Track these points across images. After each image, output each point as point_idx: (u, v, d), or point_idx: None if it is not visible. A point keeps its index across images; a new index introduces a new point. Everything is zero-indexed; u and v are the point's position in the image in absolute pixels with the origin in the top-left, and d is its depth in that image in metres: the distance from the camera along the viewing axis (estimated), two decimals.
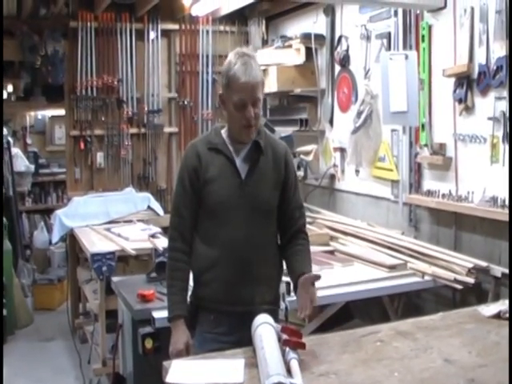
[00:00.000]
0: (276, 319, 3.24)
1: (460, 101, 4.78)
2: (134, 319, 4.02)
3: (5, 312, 6.76)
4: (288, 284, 4.00)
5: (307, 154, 6.48)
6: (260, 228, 3.25)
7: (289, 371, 2.46)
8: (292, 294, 3.99)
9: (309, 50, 6.69)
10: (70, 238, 6.79)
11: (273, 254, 3.35)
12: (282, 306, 3.87)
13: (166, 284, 3.37)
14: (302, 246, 3.39)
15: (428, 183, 5.22)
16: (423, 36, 5.15)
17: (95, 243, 5.72)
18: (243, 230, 3.20)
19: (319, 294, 4.20)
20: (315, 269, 4.65)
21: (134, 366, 4.19)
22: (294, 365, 2.52)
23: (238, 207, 3.20)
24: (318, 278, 3.15)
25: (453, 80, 4.85)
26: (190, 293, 3.36)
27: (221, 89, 3.25)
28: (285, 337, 2.69)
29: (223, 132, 3.31)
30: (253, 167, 3.24)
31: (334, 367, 2.63)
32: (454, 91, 4.84)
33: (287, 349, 2.63)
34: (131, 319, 4.13)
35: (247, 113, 3.11)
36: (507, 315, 3.16)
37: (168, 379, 2.57)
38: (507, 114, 4.30)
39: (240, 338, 3.07)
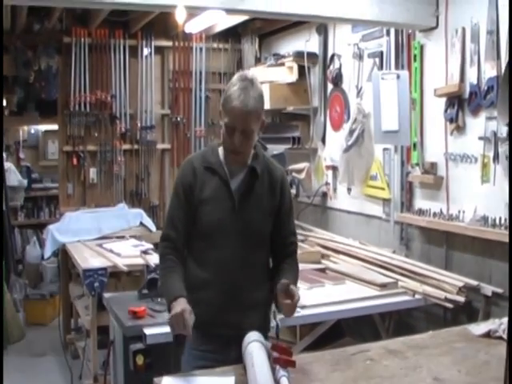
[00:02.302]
0: None
1: (451, 120, 4.81)
2: (126, 336, 4.01)
3: None
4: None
5: (299, 171, 6.50)
6: (252, 253, 3.22)
7: None
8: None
9: (301, 68, 6.72)
10: (62, 254, 6.78)
11: (263, 278, 3.30)
12: (273, 323, 3.87)
13: (160, 282, 3.28)
14: (288, 265, 3.33)
15: (419, 202, 5.25)
16: (415, 55, 5.19)
17: (87, 259, 5.72)
18: (235, 254, 3.17)
19: (310, 311, 4.27)
20: (306, 286, 4.70)
21: (126, 383, 4.18)
22: (284, 383, 2.53)
23: (231, 231, 3.17)
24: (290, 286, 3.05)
25: (444, 100, 4.88)
26: None
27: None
28: (275, 354, 2.70)
29: (220, 150, 3.27)
30: (247, 192, 3.21)
31: None
32: (446, 111, 4.87)
33: (277, 367, 2.64)
34: (122, 335, 4.13)
35: (234, 139, 3.08)
36: (497, 334, 3.18)
37: None
38: (504, 134, 4.32)
39: (227, 356, 3.07)
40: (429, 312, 4.91)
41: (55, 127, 8.23)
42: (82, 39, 7.45)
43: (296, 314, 4.13)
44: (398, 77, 5.11)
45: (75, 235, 6.55)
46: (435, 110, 5.00)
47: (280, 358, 2.67)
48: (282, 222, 3.32)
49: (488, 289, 4.44)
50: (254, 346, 2.81)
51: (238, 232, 3.17)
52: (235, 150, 3.12)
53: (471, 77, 4.62)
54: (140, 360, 3.54)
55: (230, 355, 3.06)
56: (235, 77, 3.16)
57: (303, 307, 4.23)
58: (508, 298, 3.45)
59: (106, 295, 4.74)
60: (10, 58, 7.34)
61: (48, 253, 6.71)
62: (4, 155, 9.07)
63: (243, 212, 3.18)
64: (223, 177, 3.19)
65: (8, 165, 9.38)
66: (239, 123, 3.06)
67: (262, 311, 3.32)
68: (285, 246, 3.36)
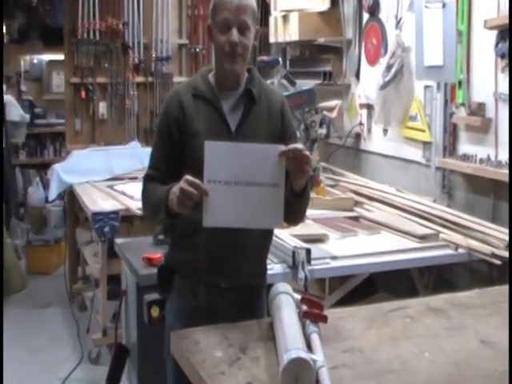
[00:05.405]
0: (261, 295, 3.20)
1: (503, 56, 4.72)
2: (140, 285, 4.02)
3: None
4: (308, 251, 4.02)
5: (330, 110, 6.43)
6: None
7: (309, 346, 2.47)
8: (312, 262, 4.03)
9: None
10: (69, 196, 6.83)
11: None
12: (301, 275, 3.90)
13: (145, 206, 3.28)
14: None
15: (464, 147, 5.18)
16: None
17: (97, 201, 5.74)
18: None
19: (342, 263, 4.25)
20: (337, 235, 4.69)
21: (139, 336, 4.21)
22: (315, 339, 2.52)
23: None
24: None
25: (495, 33, 4.78)
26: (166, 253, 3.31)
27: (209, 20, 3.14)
28: (305, 308, 2.70)
29: (210, 76, 3.16)
30: (244, 119, 3.08)
31: (359, 343, 2.64)
32: (496, 45, 4.77)
33: (307, 321, 2.64)
34: (136, 285, 4.15)
35: (231, 35, 2.96)
36: None
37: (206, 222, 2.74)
38: None
39: (221, 311, 3.03)
40: (473, 268, 4.87)
41: (61, 57, 8.21)
42: None
43: (325, 266, 4.16)
44: (444, 6, 5.02)
45: (83, 176, 6.56)
46: (484, 44, 4.90)
47: (310, 312, 2.67)
48: None
49: None
50: (282, 299, 2.81)
51: None
52: (233, 47, 2.97)
53: None
54: (155, 312, 3.55)
55: (225, 310, 3.04)
56: None
57: (334, 258, 4.22)
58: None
59: (118, 241, 4.72)
60: None
61: (53, 195, 6.74)
62: (4, 87, 9.06)
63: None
64: (216, 104, 3.07)
65: (8, 98, 9.35)
66: (235, 16, 2.97)
67: (261, 257, 3.25)
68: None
